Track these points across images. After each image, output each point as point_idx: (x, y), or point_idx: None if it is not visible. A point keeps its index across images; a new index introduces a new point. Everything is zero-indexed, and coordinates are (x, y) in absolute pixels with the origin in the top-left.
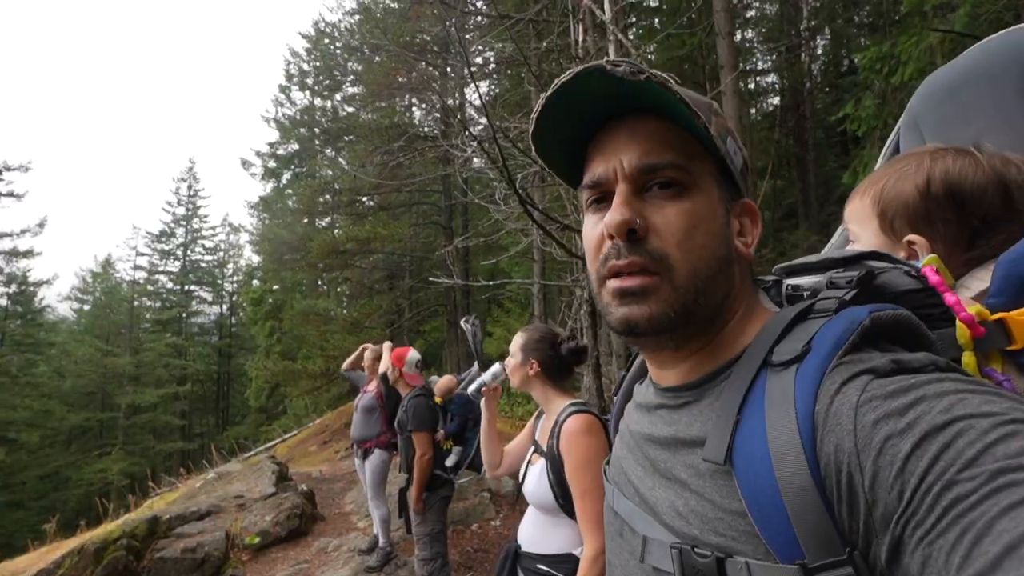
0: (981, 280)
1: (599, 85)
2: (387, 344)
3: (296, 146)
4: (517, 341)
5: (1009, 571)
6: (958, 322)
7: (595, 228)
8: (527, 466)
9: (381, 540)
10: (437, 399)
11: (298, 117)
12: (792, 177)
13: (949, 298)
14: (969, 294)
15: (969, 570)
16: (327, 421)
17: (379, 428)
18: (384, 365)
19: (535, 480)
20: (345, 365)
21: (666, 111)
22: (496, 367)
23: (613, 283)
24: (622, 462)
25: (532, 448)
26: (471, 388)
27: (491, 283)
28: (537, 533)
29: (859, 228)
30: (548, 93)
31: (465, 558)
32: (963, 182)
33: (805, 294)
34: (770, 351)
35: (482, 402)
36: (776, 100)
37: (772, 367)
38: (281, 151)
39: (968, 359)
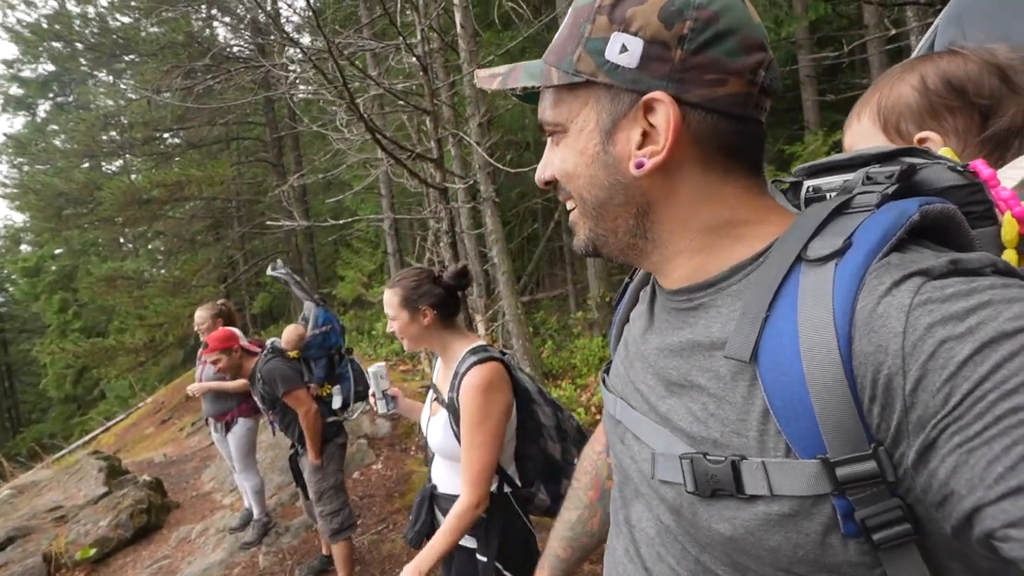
0: (1020, 169)
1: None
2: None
3: (51, 66)
4: (394, 299)
5: None
6: (1007, 218)
7: None
8: (429, 418)
9: (256, 512)
10: (292, 354)
11: (45, 25)
12: None
13: (1003, 192)
14: (1010, 185)
15: (1012, 481)
16: (162, 397)
17: (238, 398)
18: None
19: (441, 434)
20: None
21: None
22: (374, 368)
23: None
24: (628, 372)
25: (431, 395)
26: (380, 410)
27: (338, 222)
28: (451, 475)
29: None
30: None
31: (352, 507)
32: (957, 71)
33: (829, 195)
34: (804, 247)
35: (396, 408)
36: None
37: (808, 262)
38: (28, 72)
39: (1010, 256)
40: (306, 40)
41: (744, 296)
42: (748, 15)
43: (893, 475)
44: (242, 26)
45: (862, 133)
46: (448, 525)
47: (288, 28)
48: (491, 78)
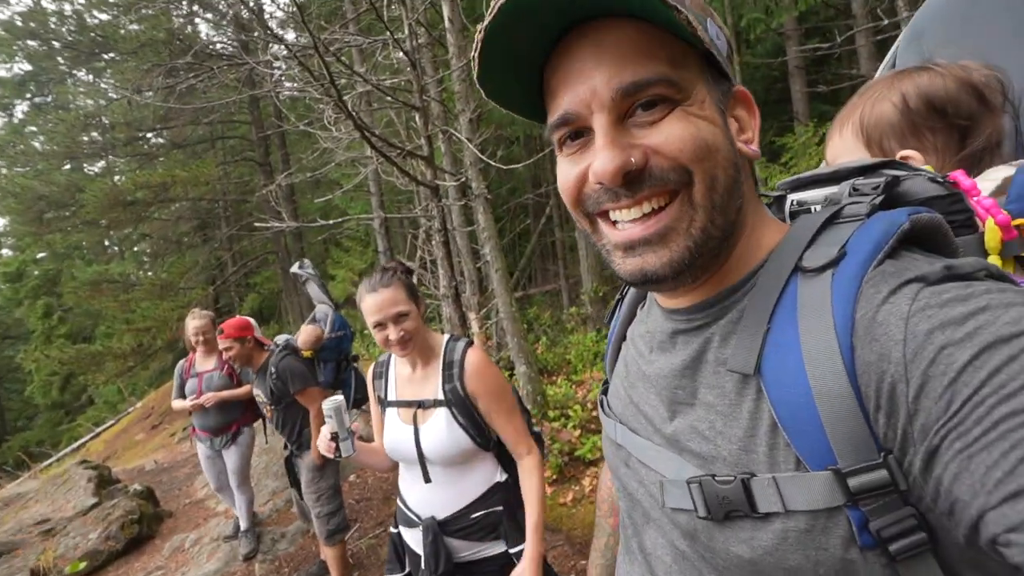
0: (992, 180)
1: None
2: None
3: (27, 66)
4: (400, 294)
5: None
6: (990, 224)
7: (573, 170)
8: (416, 428)
9: (244, 524)
10: (306, 353)
11: (20, 24)
12: None
13: (985, 201)
14: (985, 194)
15: (1011, 485)
16: (152, 402)
17: (242, 406)
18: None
19: (444, 433)
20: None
21: (637, 10)
22: (331, 403)
23: (618, 235)
24: (630, 393)
25: (408, 408)
26: (344, 453)
27: (328, 222)
28: (452, 490)
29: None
30: (492, 10)
31: (348, 511)
32: (937, 91)
33: (813, 208)
34: (800, 257)
35: (356, 449)
36: None
37: (804, 272)
38: (3, 72)
39: (995, 262)
40: (291, 36)
41: (747, 309)
42: None
43: (905, 483)
44: (225, 22)
45: (845, 147)
46: (534, 494)
47: (272, 24)
48: None
